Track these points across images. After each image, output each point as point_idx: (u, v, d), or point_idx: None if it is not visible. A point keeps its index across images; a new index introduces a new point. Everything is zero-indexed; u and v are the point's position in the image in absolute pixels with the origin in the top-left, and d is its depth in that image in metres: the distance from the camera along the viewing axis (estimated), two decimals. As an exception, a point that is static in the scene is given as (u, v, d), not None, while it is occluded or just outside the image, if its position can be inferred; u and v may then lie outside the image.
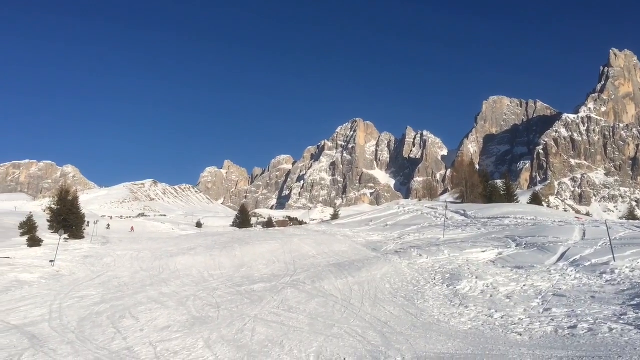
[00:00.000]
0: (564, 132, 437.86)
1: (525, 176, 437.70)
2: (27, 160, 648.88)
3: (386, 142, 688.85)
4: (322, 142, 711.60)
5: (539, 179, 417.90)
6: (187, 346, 12.12)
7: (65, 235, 42.74)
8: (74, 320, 15.26)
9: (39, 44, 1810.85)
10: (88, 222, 56.47)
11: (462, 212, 50.73)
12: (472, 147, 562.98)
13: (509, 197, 74.18)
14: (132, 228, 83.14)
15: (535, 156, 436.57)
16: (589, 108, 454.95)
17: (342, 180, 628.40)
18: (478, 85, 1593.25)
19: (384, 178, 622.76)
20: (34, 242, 37.86)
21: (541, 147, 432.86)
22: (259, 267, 26.75)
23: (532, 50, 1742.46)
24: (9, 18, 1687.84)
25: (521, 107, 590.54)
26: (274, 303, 16.89)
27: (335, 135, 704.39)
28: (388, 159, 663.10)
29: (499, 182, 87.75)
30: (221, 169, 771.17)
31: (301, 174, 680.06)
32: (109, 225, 79.36)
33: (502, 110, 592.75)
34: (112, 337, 13.23)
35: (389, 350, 11.03)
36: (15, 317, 15.67)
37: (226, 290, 20.07)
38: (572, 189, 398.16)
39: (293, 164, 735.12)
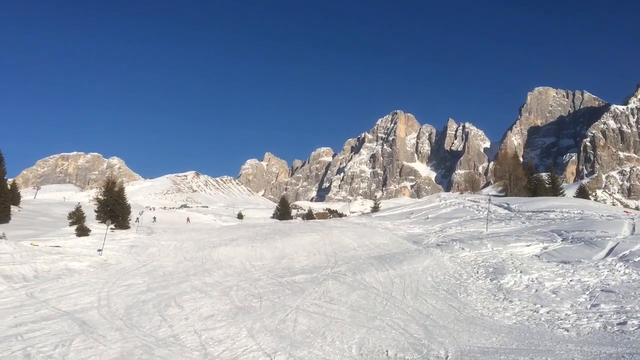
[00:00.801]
0: (612, 123, 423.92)
1: (571, 169, 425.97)
2: (75, 152, 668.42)
3: (427, 134, 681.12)
4: (363, 135, 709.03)
5: (585, 172, 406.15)
6: (231, 335, 12.32)
7: (112, 225, 43.87)
8: (121, 307, 15.71)
9: (84, 40, 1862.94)
10: (137, 219, 57.63)
11: (506, 205, 49.78)
12: (515, 139, 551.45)
13: (555, 190, 72.25)
14: (188, 219, 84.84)
15: (582, 148, 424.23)
16: (639, 99, 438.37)
17: (382, 172, 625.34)
18: (522, 77, 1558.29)
19: (425, 170, 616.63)
20: (83, 231, 39.09)
21: (588, 139, 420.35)
22: (300, 259, 26.94)
23: (579, 40, 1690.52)
24: (65, 13, 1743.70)
25: (567, 98, 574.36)
26: (315, 294, 16.99)
27: (375, 128, 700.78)
28: (429, 152, 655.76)
29: (544, 175, 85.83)
30: (262, 161, 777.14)
31: (341, 166, 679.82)
32: (154, 218, 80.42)
33: (548, 102, 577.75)
34: (158, 324, 13.56)
35: (432, 343, 10.96)
36: (66, 303, 16.24)
37: (268, 281, 20.30)
38: (621, 183, 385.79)
39: (333, 156, 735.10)
